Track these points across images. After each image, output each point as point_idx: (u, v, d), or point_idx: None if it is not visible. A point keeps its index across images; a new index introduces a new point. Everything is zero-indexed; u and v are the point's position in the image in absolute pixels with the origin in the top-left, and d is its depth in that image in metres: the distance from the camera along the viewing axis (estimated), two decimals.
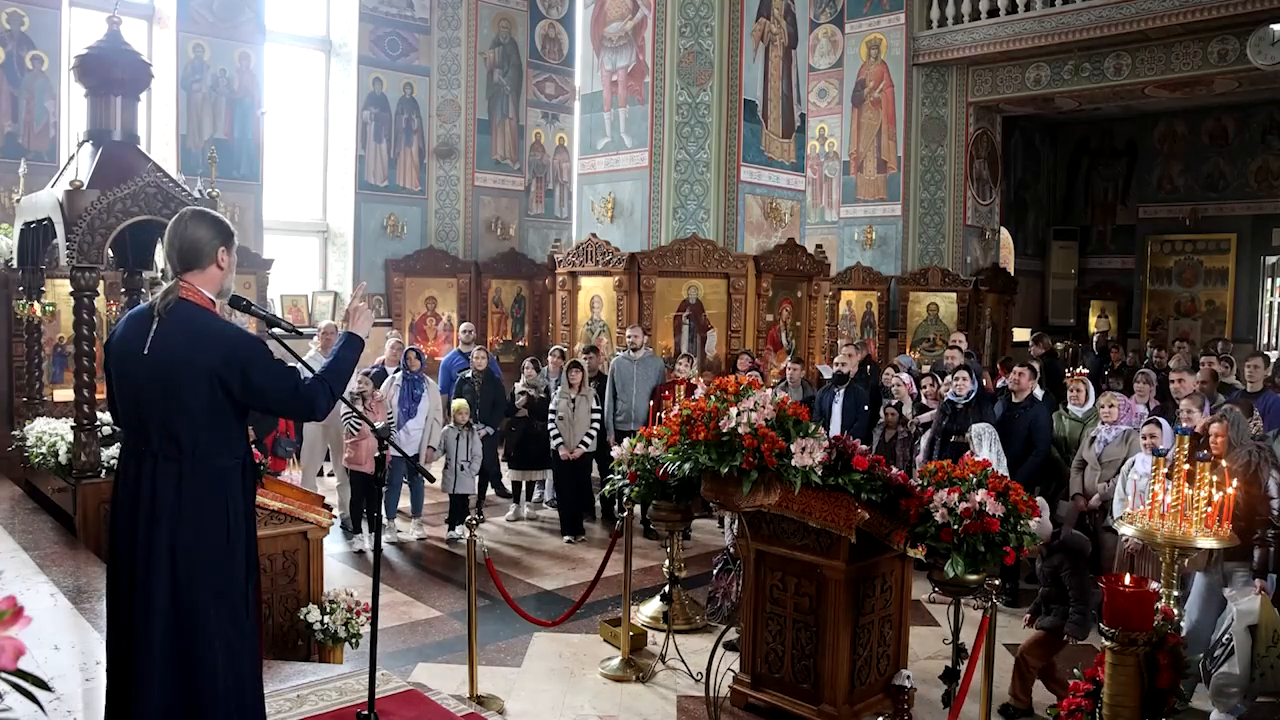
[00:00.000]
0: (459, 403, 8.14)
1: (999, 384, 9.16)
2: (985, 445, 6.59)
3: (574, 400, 8.11)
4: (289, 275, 12.44)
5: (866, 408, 8.09)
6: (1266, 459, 5.00)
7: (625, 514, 5.48)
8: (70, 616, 4.10)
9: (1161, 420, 5.95)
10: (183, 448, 2.81)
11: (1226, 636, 4.43)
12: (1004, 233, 16.13)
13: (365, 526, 7.87)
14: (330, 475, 9.02)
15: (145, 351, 2.80)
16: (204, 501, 2.82)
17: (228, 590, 2.86)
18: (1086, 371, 8.44)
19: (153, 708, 2.75)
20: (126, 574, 2.83)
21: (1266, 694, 4.34)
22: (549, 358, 9.33)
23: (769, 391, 4.51)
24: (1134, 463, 5.90)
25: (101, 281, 5.15)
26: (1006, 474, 5.53)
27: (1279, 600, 4.52)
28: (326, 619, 4.74)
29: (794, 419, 4.33)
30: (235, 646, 2.86)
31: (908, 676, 4.44)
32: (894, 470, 4.33)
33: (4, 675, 1.30)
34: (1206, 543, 3.65)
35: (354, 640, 4.81)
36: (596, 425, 8.22)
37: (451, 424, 8.02)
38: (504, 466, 8.98)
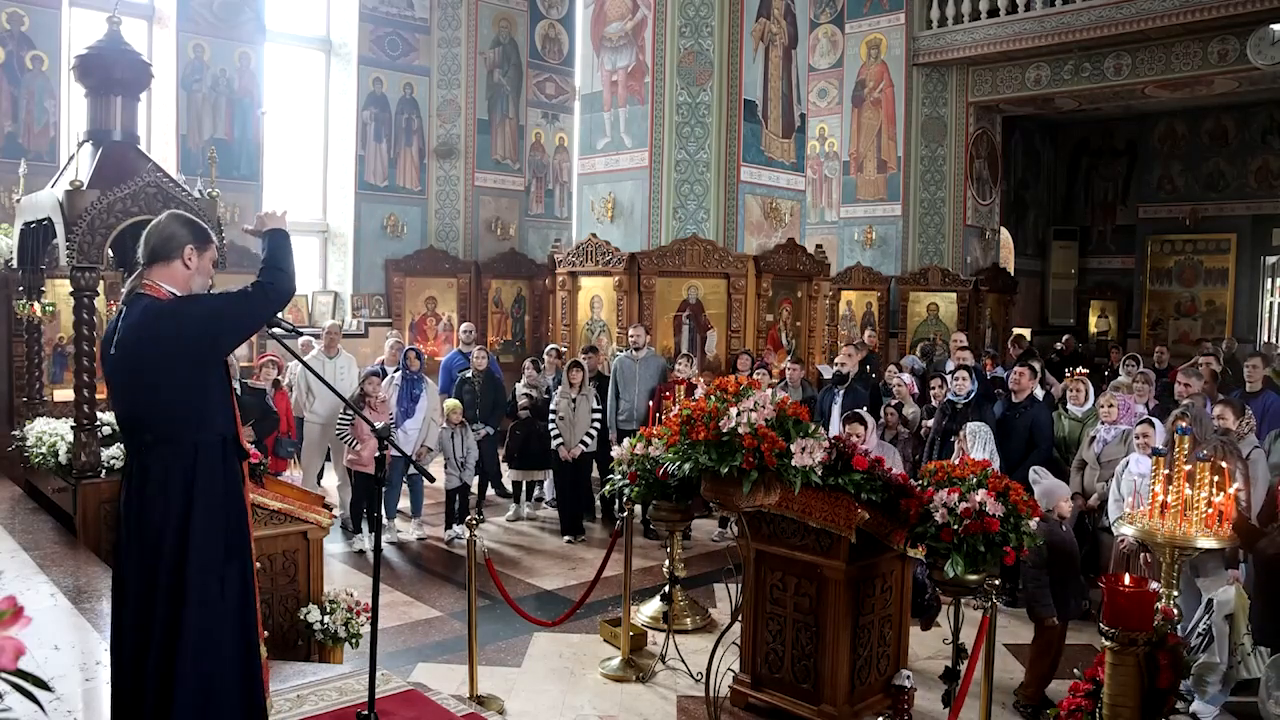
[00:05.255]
0: (451, 403, 8.15)
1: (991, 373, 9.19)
2: (979, 444, 6.58)
3: (574, 400, 8.11)
4: None
5: (866, 408, 8.07)
6: (1232, 452, 5.05)
7: (625, 514, 5.48)
8: (70, 616, 4.10)
9: (1155, 420, 5.96)
10: (156, 431, 2.86)
11: (1204, 625, 4.48)
12: (1004, 233, 16.13)
13: (365, 526, 7.87)
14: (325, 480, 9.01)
15: (113, 351, 2.89)
16: (173, 472, 2.83)
17: (198, 563, 2.82)
18: (1086, 372, 8.44)
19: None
20: (131, 568, 2.88)
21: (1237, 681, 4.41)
22: (545, 357, 9.33)
23: (769, 391, 4.51)
24: (1128, 463, 5.90)
25: (101, 281, 5.15)
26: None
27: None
28: (326, 619, 4.75)
29: (794, 419, 4.32)
30: (202, 624, 2.83)
31: (908, 676, 4.45)
32: (894, 470, 4.33)
33: (4, 675, 1.30)
34: (1207, 543, 3.65)
35: (354, 640, 4.81)
36: (597, 425, 8.22)
37: (444, 424, 8.03)
38: (504, 466, 8.99)
